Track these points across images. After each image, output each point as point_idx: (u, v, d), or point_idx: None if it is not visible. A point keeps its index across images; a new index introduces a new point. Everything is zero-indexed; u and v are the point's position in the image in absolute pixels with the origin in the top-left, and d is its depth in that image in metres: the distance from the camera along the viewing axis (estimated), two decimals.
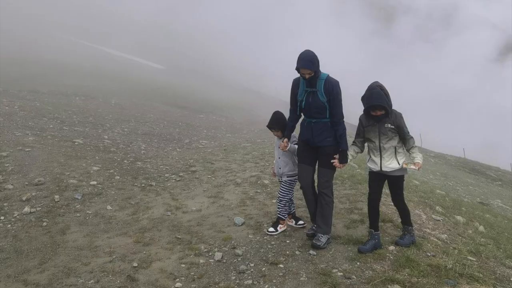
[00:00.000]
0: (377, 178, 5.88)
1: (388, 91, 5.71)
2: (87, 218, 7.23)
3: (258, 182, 9.47)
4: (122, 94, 26.03)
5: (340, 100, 6.01)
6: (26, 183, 8.32)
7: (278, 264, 5.37)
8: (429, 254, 5.58)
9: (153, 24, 57.54)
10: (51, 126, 13.70)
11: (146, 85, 31.81)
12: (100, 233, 6.61)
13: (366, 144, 6.05)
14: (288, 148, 6.32)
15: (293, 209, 6.83)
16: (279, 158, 6.61)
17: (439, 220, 7.49)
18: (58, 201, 7.72)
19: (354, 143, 6.12)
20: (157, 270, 5.30)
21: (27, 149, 10.26)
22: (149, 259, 5.56)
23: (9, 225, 6.69)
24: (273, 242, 6.05)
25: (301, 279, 5.01)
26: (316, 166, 6.17)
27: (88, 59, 35.09)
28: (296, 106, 6.24)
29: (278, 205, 6.49)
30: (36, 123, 13.61)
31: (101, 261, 5.55)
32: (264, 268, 5.28)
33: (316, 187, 6.26)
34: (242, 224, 6.75)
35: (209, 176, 10.18)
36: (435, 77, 58.65)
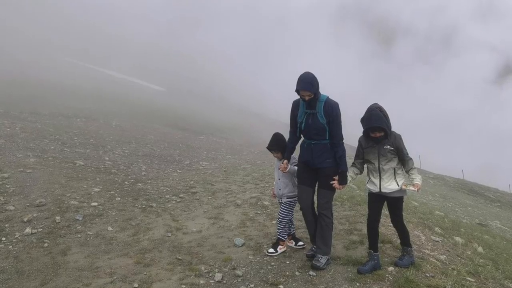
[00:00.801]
0: (376, 199, 5.92)
1: (387, 112, 5.77)
2: (88, 239, 7.25)
3: (258, 203, 9.51)
4: (123, 115, 26.14)
5: (340, 122, 6.07)
6: (28, 204, 8.35)
7: (278, 285, 5.39)
8: (428, 275, 5.60)
9: (153, 46, 58.01)
10: (52, 147, 13.76)
11: (147, 107, 31.96)
12: (101, 254, 6.63)
13: (365, 166, 6.10)
14: (288, 169, 6.36)
15: (293, 230, 6.86)
16: (279, 179, 6.66)
17: (438, 241, 7.53)
18: (59, 222, 7.74)
19: (353, 164, 6.17)
20: None
21: (29, 171, 10.31)
22: (149, 280, 5.58)
23: (11, 246, 6.71)
24: (273, 263, 6.07)
25: None
26: (316, 188, 6.20)
27: (89, 81, 35.30)
28: (296, 128, 6.29)
29: (278, 226, 6.51)
30: (37, 145, 13.67)
31: (102, 282, 5.57)
32: None
33: (316, 208, 6.29)
34: (242, 245, 6.77)
35: (209, 198, 10.22)
36: (434, 99, 58.99)
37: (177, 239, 7.29)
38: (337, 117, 6.00)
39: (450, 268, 6.04)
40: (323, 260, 5.89)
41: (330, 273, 5.73)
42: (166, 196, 10.23)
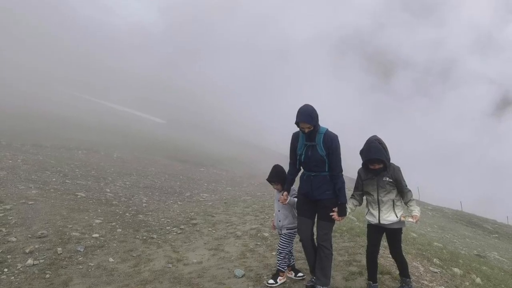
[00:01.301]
0: (375, 231, 5.97)
1: (386, 144, 5.86)
2: (90, 270, 7.28)
3: (258, 234, 9.55)
4: (124, 148, 26.28)
5: (339, 154, 6.14)
6: (29, 235, 8.40)
7: None
8: None
9: (154, 78, 58.48)
10: (54, 179, 13.83)
11: (148, 139, 32.11)
12: (102, 285, 6.66)
13: (364, 197, 6.16)
14: (287, 201, 6.42)
15: (293, 261, 6.88)
16: (279, 211, 6.71)
17: (436, 272, 7.55)
18: (61, 254, 7.78)
19: (353, 196, 6.24)
20: None
21: (30, 202, 10.37)
22: None
23: (13, 277, 6.74)
24: None
25: None
26: (316, 219, 6.25)
27: (90, 113, 35.55)
28: (295, 160, 6.37)
29: (278, 257, 6.55)
30: (39, 177, 13.75)
31: None
32: None
33: (315, 239, 6.33)
34: (242, 276, 6.80)
35: (209, 229, 10.26)
36: (433, 131, 59.25)
37: (178, 270, 7.32)
38: (337, 149, 6.07)
39: None
40: None
41: None
42: (167, 228, 10.28)
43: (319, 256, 6.07)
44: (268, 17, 76.25)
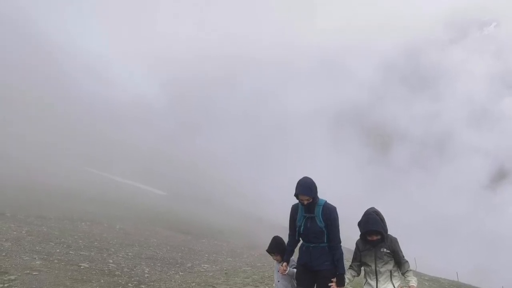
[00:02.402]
0: None
1: (384, 216, 6.14)
2: None
3: None
4: (126, 219, 26.39)
5: (337, 226, 6.41)
6: None
7: None
8: None
9: (155, 151, 59.05)
10: (58, 250, 13.98)
11: (149, 211, 32.25)
12: None
13: (362, 268, 6.36)
14: (287, 271, 6.64)
15: None
16: (279, 281, 6.91)
17: None
18: None
19: (351, 266, 6.46)
20: None
21: (35, 273, 10.53)
22: None
23: None
24: None
25: None
26: None
27: (92, 185, 35.79)
28: (295, 231, 6.63)
29: None
30: (43, 248, 13.90)
31: None
32: None
33: None
34: None
35: None
36: (429, 203, 59.36)
37: None
38: (335, 220, 6.35)
39: None
40: None
41: None
42: None
43: None
44: (268, 91, 77.72)
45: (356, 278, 6.44)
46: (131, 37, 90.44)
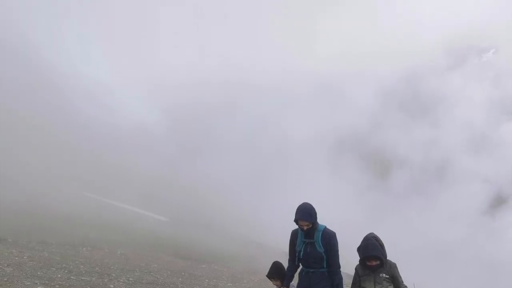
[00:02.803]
0: None
1: (383, 242, 6.30)
2: None
3: None
4: (127, 244, 26.46)
5: (337, 251, 6.57)
6: None
7: None
8: None
9: (156, 177, 59.07)
10: (59, 275, 14.11)
11: (150, 236, 32.28)
12: None
13: None
14: None
15: None
16: None
17: None
18: None
19: None
20: None
21: None
22: None
23: None
24: None
25: None
26: None
27: (93, 211, 35.87)
28: (294, 256, 6.80)
29: None
30: (44, 273, 14.04)
31: None
32: None
33: None
34: None
35: None
36: (429, 228, 59.28)
37: None
38: (334, 246, 6.52)
39: None
40: None
41: None
42: None
43: None
44: (268, 117, 78.02)
45: None
46: (131, 63, 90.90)
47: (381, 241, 6.30)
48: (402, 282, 6.31)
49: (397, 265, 6.38)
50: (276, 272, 7.16)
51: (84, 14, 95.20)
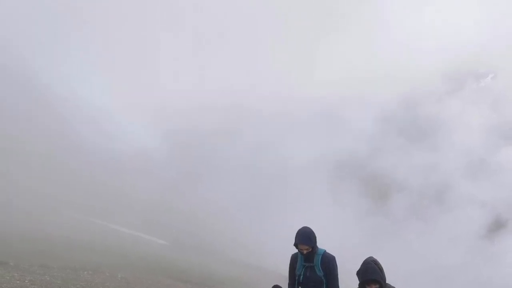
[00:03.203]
0: None
1: (383, 265, 6.45)
2: None
3: None
4: (128, 268, 26.50)
5: (336, 275, 6.76)
6: None
7: None
8: None
9: (157, 201, 59.22)
10: None
11: (151, 260, 32.25)
12: None
13: None
14: None
15: None
16: None
17: None
18: None
19: None
20: None
21: None
22: None
23: None
24: None
25: None
26: None
27: (94, 235, 35.94)
28: (294, 280, 6.98)
29: None
30: None
31: None
32: None
33: None
34: None
35: None
36: (428, 252, 59.20)
37: None
38: (334, 270, 6.70)
39: None
40: None
41: None
42: None
43: None
44: (268, 142, 78.34)
45: None
46: (132, 88, 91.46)
47: (380, 265, 6.41)
48: None
49: None
50: None
51: (84, 39, 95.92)
